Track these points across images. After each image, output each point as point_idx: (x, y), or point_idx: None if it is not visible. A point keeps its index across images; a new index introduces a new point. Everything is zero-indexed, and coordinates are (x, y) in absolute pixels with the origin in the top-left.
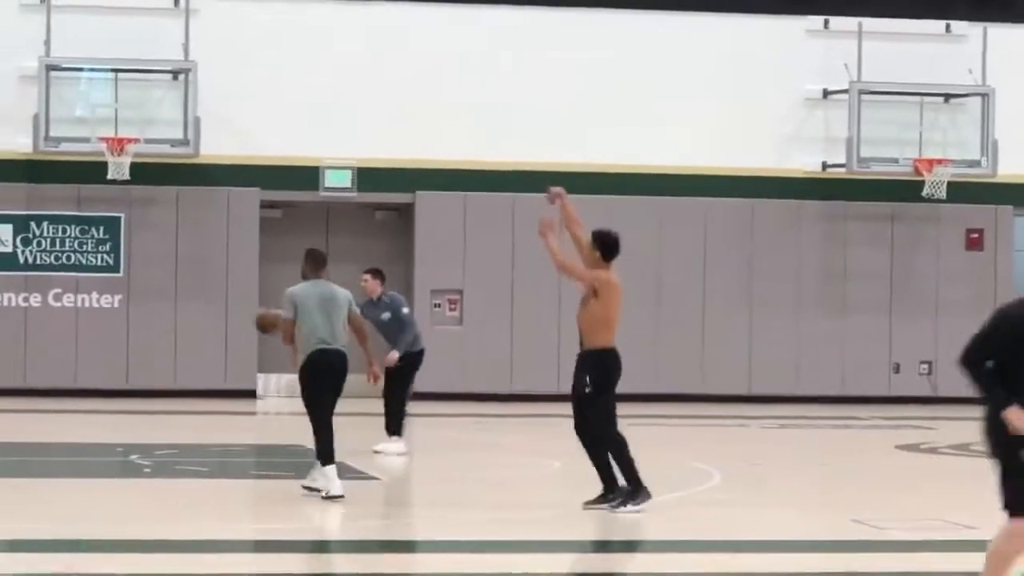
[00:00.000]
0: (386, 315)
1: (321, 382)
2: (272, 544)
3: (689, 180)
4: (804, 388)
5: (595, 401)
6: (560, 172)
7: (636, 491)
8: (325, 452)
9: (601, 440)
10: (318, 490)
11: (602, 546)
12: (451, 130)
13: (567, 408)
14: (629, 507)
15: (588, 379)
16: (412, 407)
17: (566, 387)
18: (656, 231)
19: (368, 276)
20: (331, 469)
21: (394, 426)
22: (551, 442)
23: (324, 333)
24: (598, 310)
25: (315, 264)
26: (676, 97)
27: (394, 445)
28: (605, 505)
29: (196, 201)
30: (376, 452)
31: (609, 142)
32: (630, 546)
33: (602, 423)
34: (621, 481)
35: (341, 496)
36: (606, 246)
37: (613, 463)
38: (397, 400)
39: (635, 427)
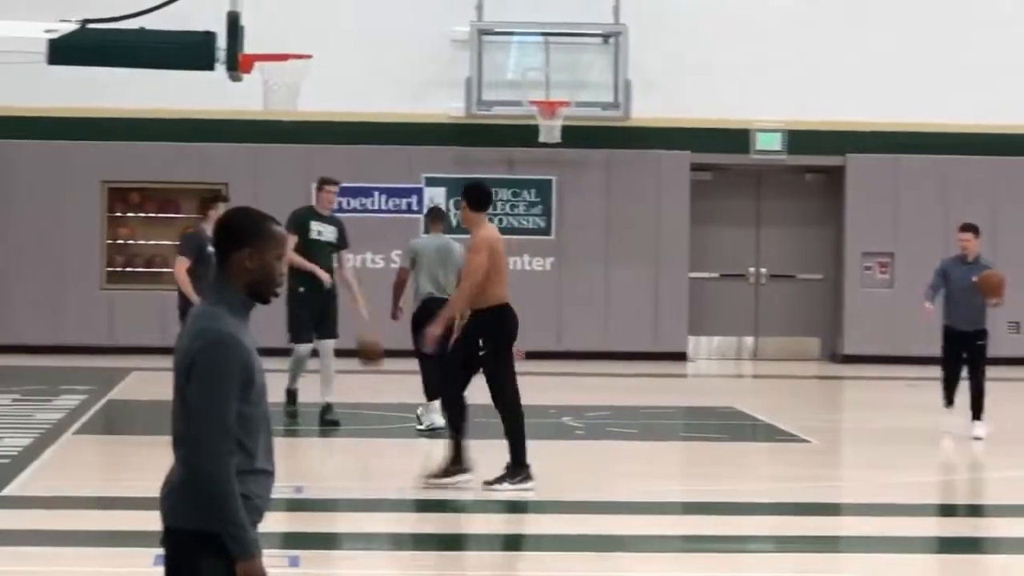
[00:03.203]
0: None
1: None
2: (700, 506)
3: None
4: None
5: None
6: (996, 133)
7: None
8: (433, 389)
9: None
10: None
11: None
12: (882, 90)
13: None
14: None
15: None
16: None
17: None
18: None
19: (971, 235)
20: (435, 404)
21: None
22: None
23: (437, 283)
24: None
25: (435, 220)
26: None
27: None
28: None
29: (626, 164)
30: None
31: None
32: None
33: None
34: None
35: (442, 426)
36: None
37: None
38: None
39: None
